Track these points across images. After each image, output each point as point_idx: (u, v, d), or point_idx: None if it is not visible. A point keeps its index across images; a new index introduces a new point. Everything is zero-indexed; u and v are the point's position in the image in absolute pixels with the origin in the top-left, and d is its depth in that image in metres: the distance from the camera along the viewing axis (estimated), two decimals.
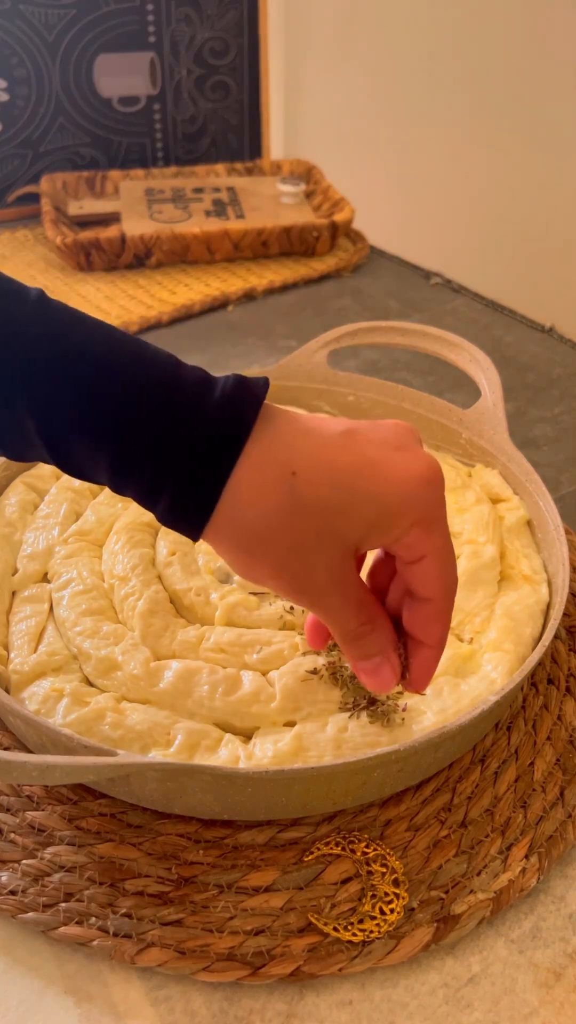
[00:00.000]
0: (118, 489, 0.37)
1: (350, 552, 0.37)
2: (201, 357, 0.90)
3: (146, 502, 0.37)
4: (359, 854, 0.44)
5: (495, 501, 0.61)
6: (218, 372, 0.38)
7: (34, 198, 1.16)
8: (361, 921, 0.42)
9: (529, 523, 0.59)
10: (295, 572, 0.37)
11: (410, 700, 0.47)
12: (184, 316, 0.97)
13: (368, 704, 0.46)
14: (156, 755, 0.44)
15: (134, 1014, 0.39)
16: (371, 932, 0.41)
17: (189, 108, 1.24)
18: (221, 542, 0.37)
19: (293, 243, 1.07)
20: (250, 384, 0.37)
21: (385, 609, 0.41)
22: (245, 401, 0.36)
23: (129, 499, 0.59)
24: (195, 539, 0.37)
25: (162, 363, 0.37)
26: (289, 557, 0.36)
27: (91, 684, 0.49)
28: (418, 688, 0.42)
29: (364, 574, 0.43)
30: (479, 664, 0.50)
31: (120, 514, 0.59)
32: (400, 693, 0.48)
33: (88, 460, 0.37)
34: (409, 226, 1.45)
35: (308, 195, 1.18)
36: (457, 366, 0.68)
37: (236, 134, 1.28)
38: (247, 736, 0.47)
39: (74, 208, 1.13)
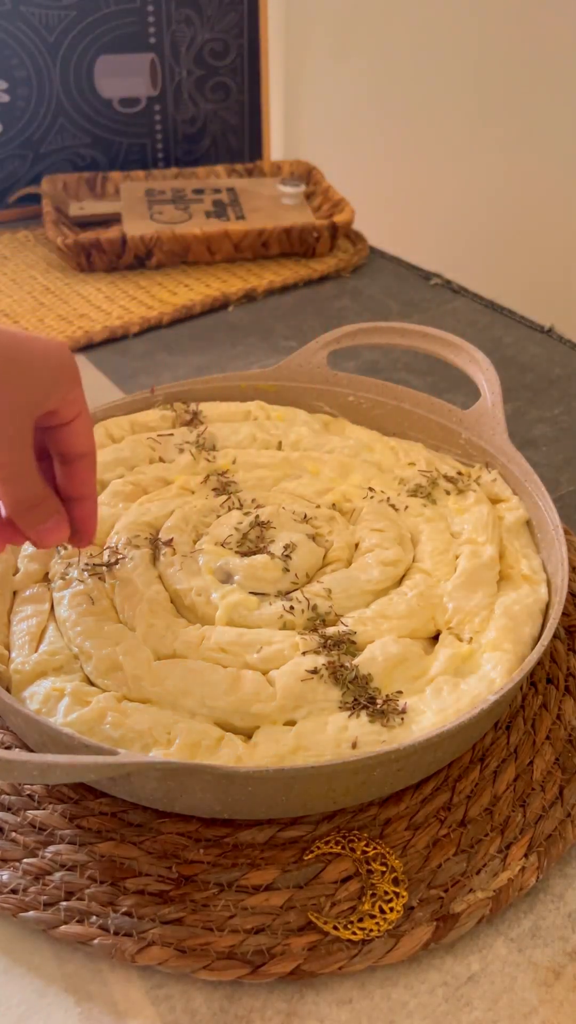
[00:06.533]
0: None
1: (32, 418, 0.38)
2: (201, 358, 0.90)
3: None
4: (359, 853, 0.44)
5: (494, 501, 0.61)
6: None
7: (35, 199, 1.17)
8: (361, 920, 0.42)
9: (528, 523, 0.60)
10: None
11: (410, 700, 0.47)
12: (184, 317, 0.97)
13: (368, 704, 0.47)
14: (157, 754, 0.44)
15: (134, 1013, 0.39)
16: (371, 931, 0.41)
17: (189, 109, 1.24)
18: None
19: (293, 244, 1.08)
20: None
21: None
22: None
23: (130, 500, 0.60)
24: None
25: None
26: None
27: (92, 684, 0.49)
28: (87, 541, 0.45)
29: None
30: (478, 664, 0.50)
31: (120, 514, 0.59)
32: (399, 693, 0.48)
33: None
34: (409, 227, 1.45)
35: (308, 196, 1.18)
36: (457, 366, 0.68)
37: (236, 135, 1.28)
38: (247, 735, 0.47)
39: (75, 209, 1.13)
